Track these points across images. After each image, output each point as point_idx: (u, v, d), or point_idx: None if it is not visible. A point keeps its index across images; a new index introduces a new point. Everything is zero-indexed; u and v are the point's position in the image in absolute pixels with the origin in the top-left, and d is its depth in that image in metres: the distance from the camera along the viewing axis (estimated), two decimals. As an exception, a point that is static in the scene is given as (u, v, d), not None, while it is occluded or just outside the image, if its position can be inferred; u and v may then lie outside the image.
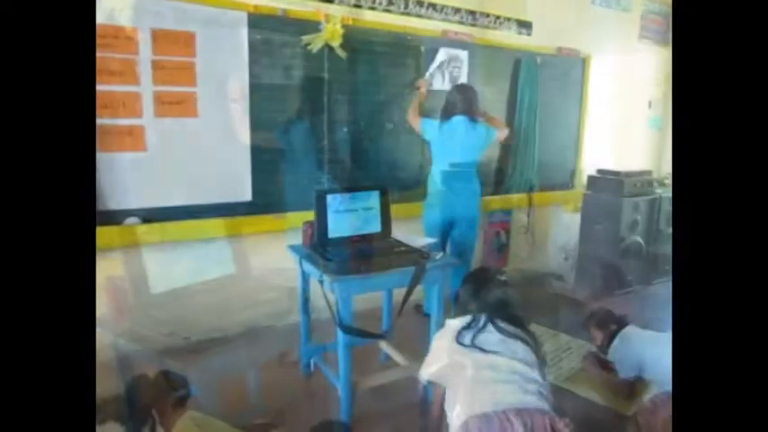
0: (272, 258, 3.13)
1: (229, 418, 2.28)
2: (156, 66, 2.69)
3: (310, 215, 2.41)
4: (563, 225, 4.73)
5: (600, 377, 2.69)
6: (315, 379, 2.71)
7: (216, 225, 2.97)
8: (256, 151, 3.04)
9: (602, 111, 4.70)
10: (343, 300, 2.18)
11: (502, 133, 3.48)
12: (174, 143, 2.80)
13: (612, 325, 2.65)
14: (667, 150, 5.51)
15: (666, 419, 2.02)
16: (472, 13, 3.78)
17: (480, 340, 1.66)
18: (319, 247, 2.34)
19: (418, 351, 2.61)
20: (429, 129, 3.21)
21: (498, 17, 3.93)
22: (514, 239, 4.44)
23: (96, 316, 1.09)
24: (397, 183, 3.45)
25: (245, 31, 2.91)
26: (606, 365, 2.71)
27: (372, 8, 3.34)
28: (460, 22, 3.73)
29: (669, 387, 2.16)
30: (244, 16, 2.89)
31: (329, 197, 2.39)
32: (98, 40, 2.49)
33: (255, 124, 3.02)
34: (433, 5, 3.59)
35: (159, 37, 2.68)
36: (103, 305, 2.71)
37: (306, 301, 2.63)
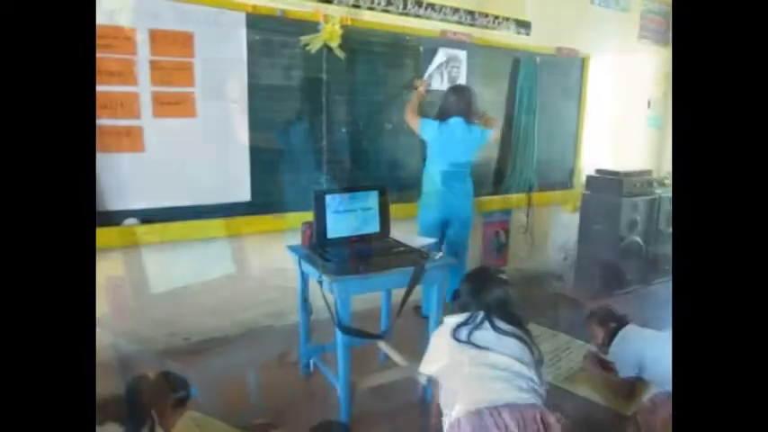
0: (272, 259, 3.13)
1: (229, 418, 2.28)
2: (154, 66, 2.69)
3: (309, 215, 2.41)
4: (562, 225, 4.74)
5: (600, 377, 2.69)
6: (314, 379, 2.71)
7: (215, 225, 2.97)
8: (255, 151, 3.04)
9: (601, 110, 4.70)
10: (342, 300, 2.18)
11: (496, 133, 3.52)
12: (173, 143, 2.80)
13: (613, 323, 2.65)
14: (667, 150, 5.51)
15: (666, 419, 2.02)
16: (471, 13, 3.78)
17: (476, 337, 1.67)
18: (318, 247, 2.34)
19: (417, 351, 2.62)
20: (428, 129, 3.21)
21: (497, 17, 3.92)
22: (514, 239, 4.44)
23: (96, 316, 1.09)
24: (395, 183, 3.45)
25: (243, 32, 2.91)
26: (606, 365, 2.71)
27: (371, 8, 3.34)
28: (459, 22, 3.73)
29: (669, 386, 2.17)
30: (242, 16, 2.89)
31: (328, 197, 2.39)
32: (96, 41, 2.49)
33: (254, 124, 3.02)
34: (432, 5, 3.59)
35: (157, 37, 2.68)
36: (103, 305, 2.71)
37: (305, 301, 2.63)
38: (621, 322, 2.65)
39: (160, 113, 2.74)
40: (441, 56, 3.60)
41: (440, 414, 1.72)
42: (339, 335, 2.21)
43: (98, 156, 2.56)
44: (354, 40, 3.23)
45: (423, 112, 3.39)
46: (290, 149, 3.16)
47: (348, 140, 3.36)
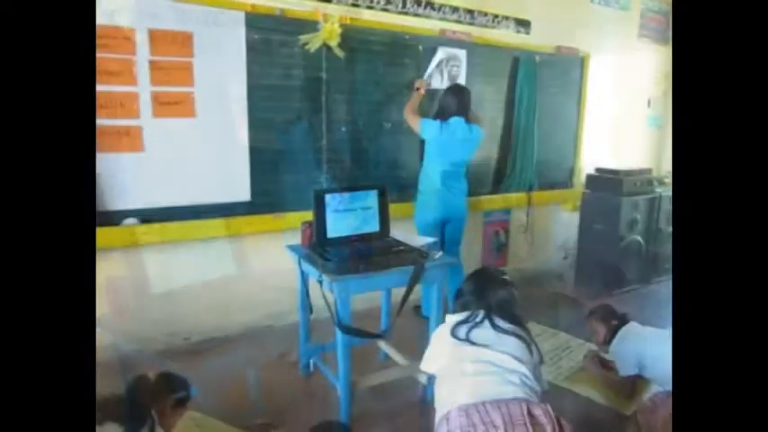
0: (271, 258, 3.12)
1: (229, 418, 2.28)
2: (153, 66, 2.69)
3: (309, 215, 2.41)
4: (562, 224, 4.74)
5: (600, 376, 2.69)
6: (314, 379, 2.71)
7: (215, 225, 2.97)
8: (255, 151, 3.04)
9: (601, 109, 4.70)
10: (342, 299, 2.18)
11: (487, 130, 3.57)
12: (172, 143, 2.80)
13: (614, 320, 2.65)
14: (666, 149, 5.51)
15: (666, 418, 2.02)
16: (470, 11, 3.77)
17: (475, 335, 1.67)
18: (318, 246, 2.34)
19: (417, 350, 2.62)
20: (429, 128, 3.21)
21: (496, 16, 3.92)
22: (514, 239, 4.44)
23: (96, 316, 1.09)
24: (395, 182, 3.45)
25: (242, 31, 2.90)
26: (606, 364, 2.71)
27: (370, 7, 3.34)
28: (458, 21, 3.73)
29: (669, 385, 2.17)
30: (241, 16, 2.89)
31: (328, 197, 2.38)
32: (96, 41, 2.49)
33: (254, 124, 3.01)
34: (431, 4, 3.58)
35: (157, 37, 2.68)
36: (103, 305, 2.71)
37: (305, 300, 2.63)
38: (622, 320, 2.65)
39: (160, 113, 2.74)
40: (440, 54, 3.59)
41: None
42: (339, 334, 2.21)
43: (97, 156, 2.56)
44: (354, 39, 3.23)
45: (422, 112, 3.39)
46: (290, 149, 3.16)
47: (348, 140, 3.36)
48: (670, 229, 4.32)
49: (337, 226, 2.40)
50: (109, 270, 2.75)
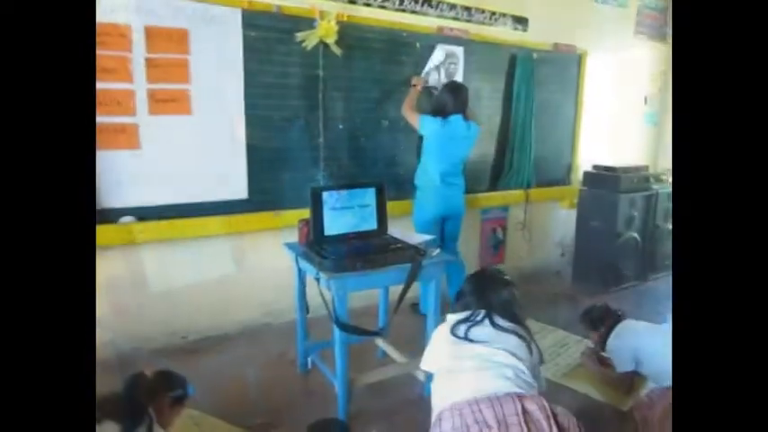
0: (269, 256, 3.12)
1: (227, 416, 2.28)
2: (149, 63, 2.68)
3: (307, 213, 2.40)
4: (559, 221, 4.74)
5: (598, 372, 2.70)
6: (312, 377, 2.71)
7: (212, 223, 2.96)
8: (252, 149, 3.03)
9: (598, 106, 4.70)
10: (340, 297, 2.17)
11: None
12: (169, 141, 2.79)
13: (607, 322, 2.67)
14: (663, 146, 5.52)
15: (663, 414, 2.02)
16: (468, 9, 3.77)
17: (473, 332, 1.67)
18: (315, 244, 2.33)
19: (415, 348, 2.62)
20: (430, 126, 3.20)
21: (494, 13, 3.92)
22: (511, 236, 4.44)
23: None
24: (393, 180, 3.44)
25: (239, 28, 2.89)
26: (604, 361, 2.71)
27: (367, 4, 3.33)
28: (456, 19, 3.72)
29: (664, 377, 2.17)
30: (238, 13, 2.88)
31: (325, 194, 2.38)
32: (91, 38, 2.48)
33: (250, 121, 3.00)
34: (429, 1, 3.58)
35: (153, 34, 2.67)
36: (100, 304, 2.69)
37: (302, 298, 2.63)
38: (616, 320, 2.66)
39: (156, 111, 2.72)
40: (438, 55, 3.58)
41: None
42: (337, 332, 2.21)
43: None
44: (351, 36, 3.22)
45: (419, 109, 3.38)
46: (287, 146, 3.15)
47: (345, 137, 3.35)
48: (667, 226, 4.34)
49: (335, 223, 2.40)
50: (105, 268, 2.73)
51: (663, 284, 4.29)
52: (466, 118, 3.26)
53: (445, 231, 3.43)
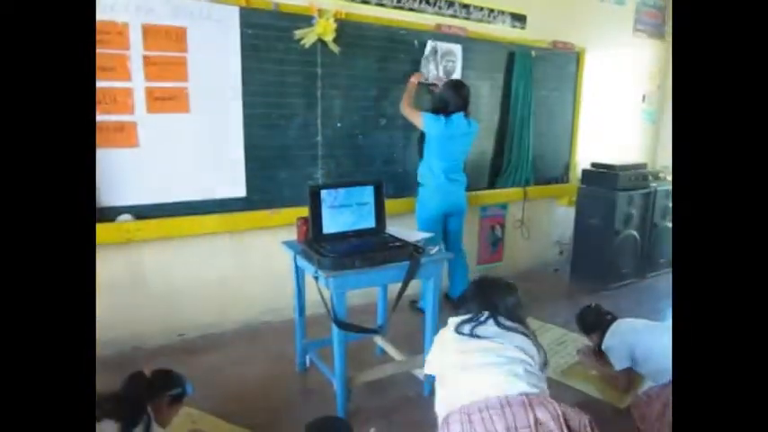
0: (267, 254, 3.12)
1: (225, 414, 2.29)
2: (147, 61, 2.67)
3: (305, 211, 2.40)
4: (558, 219, 4.75)
5: (596, 369, 2.70)
6: (310, 375, 2.71)
7: (210, 221, 2.96)
8: (250, 147, 3.03)
9: (596, 104, 4.70)
10: (338, 295, 2.18)
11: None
12: (167, 139, 2.78)
13: (600, 326, 2.68)
14: (661, 144, 5.52)
15: (661, 412, 2.03)
16: (466, 6, 3.76)
17: (479, 331, 1.67)
18: (314, 242, 2.33)
19: (413, 346, 2.62)
20: (434, 124, 3.20)
21: (492, 10, 3.91)
22: (509, 234, 4.45)
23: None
24: (391, 178, 3.45)
25: (237, 26, 2.89)
26: (601, 358, 2.72)
27: (365, 2, 3.32)
28: (454, 16, 3.72)
29: (662, 375, 2.17)
30: (236, 11, 2.87)
31: (323, 192, 2.38)
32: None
33: (248, 119, 3.00)
34: (427, -1, 3.57)
35: (150, 32, 2.66)
36: (98, 302, 2.70)
37: (301, 296, 2.63)
38: (609, 322, 2.66)
39: (154, 109, 2.72)
40: (429, 47, 3.55)
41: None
42: (335, 330, 2.21)
43: (91, 152, 2.54)
44: (349, 34, 3.21)
45: (421, 106, 3.38)
46: (285, 144, 3.15)
47: (343, 135, 3.35)
48: (665, 223, 4.34)
49: (333, 222, 2.39)
50: (103, 267, 2.73)
51: (661, 282, 4.30)
52: (467, 115, 3.27)
53: (448, 228, 3.46)
